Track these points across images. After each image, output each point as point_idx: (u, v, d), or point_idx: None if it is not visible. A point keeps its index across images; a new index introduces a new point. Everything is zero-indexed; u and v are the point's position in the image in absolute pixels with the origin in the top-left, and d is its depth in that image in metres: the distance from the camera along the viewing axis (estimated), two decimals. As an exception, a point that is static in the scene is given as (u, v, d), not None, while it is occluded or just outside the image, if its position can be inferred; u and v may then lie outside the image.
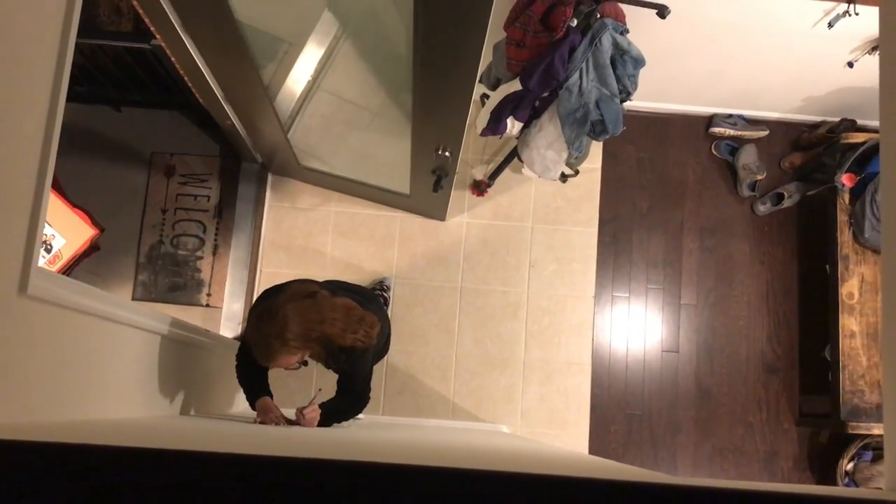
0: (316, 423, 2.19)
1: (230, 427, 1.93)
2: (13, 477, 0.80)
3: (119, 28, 2.99)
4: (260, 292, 2.33)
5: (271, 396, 2.29)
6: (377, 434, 2.22)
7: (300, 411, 2.18)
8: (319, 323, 2.03)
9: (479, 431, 3.32)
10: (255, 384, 2.29)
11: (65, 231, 2.84)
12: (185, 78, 2.71)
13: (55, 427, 1.26)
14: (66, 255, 2.87)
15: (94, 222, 2.95)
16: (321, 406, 2.22)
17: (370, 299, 2.59)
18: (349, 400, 2.32)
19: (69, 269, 2.91)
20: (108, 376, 1.66)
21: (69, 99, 1.32)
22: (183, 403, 2.32)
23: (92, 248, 3.06)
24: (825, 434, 3.74)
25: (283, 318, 1.98)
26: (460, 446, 1.74)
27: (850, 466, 3.57)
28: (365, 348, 2.17)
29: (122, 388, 1.77)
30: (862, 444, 3.55)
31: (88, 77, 3.28)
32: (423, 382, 3.54)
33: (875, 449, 3.57)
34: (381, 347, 2.59)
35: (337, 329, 2.06)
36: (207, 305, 3.55)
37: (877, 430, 3.39)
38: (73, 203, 2.94)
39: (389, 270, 3.62)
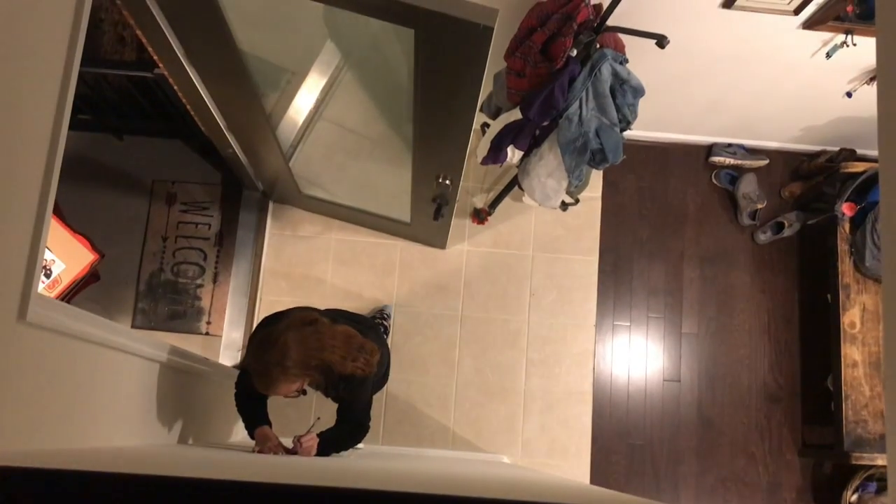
0: (314, 451, 2.17)
1: (228, 456, 1.91)
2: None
3: (122, 57, 3.02)
4: (260, 320, 2.32)
5: (270, 425, 2.27)
6: (376, 463, 2.20)
7: (297, 440, 2.16)
8: (319, 350, 2.02)
9: (479, 461, 3.30)
10: (253, 413, 2.27)
11: (64, 256, 2.84)
12: (188, 107, 2.73)
13: (53, 454, 1.25)
14: (66, 280, 2.87)
15: (94, 247, 2.95)
16: (320, 435, 2.20)
17: (370, 328, 2.58)
18: (348, 429, 2.30)
19: (69, 295, 2.91)
20: (107, 404, 1.65)
21: (71, 127, 1.32)
22: (182, 432, 2.30)
23: (92, 277, 3.06)
24: (829, 465, 3.71)
25: (283, 345, 1.97)
26: (460, 475, 1.72)
27: (854, 498, 3.54)
28: (364, 376, 2.16)
29: (121, 416, 1.76)
30: (866, 475, 3.52)
31: (91, 105, 3.30)
32: (422, 412, 3.52)
33: (879, 480, 3.54)
34: (381, 377, 2.58)
35: (337, 356, 2.05)
36: (207, 334, 3.54)
37: (881, 460, 3.36)
38: (74, 228, 2.94)
39: (389, 299, 3.62)
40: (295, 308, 2.24)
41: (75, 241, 2.92)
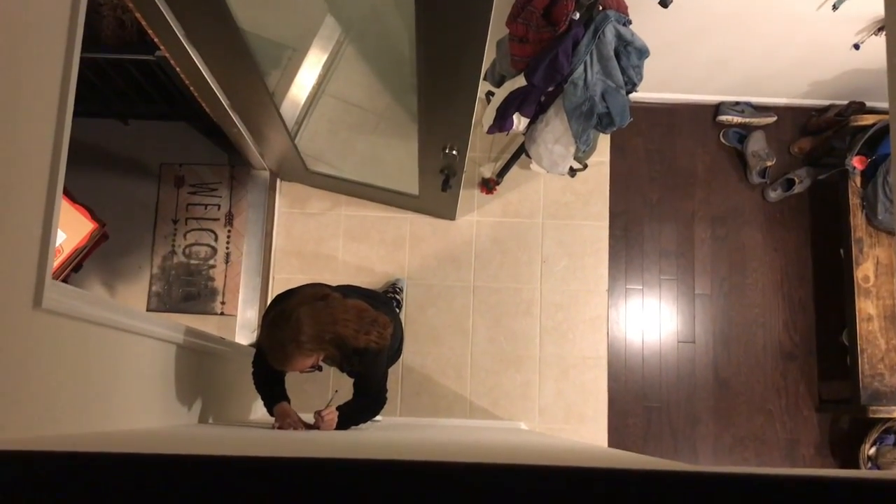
0: (334, 425, 2.19)
1: (249, 433, 1.93)
2: (33, 488, 0.80)
3: (123, 41, 3.00)
4: (272, 298, 2.33)
5: (288, 401, 2.29)
6: (396, 435, 2.22)
7: (318, 414, 2.18)
8: (332, 324, 2.03)
9: (497, 429, 3.32)
10: (272, 390, 2.30)
11: (65, 226, 2.84)
12: (191, 88, 2.72)
13: (74, 438, 1.26)
14: (67, 250, 2.89)
15: (94, 217, 2.96)
16: (338, 409, 2.22)
17: (382, 302, 2.60)
18: (365, 402, 2.33)
19: (72, 263, 2.92)
20: (126, 387, 1.67)
21: (76, 114, 1.33)
22: (201, 412, 2.33)
23: (101, 238, 3.06)
24: (846, 419, 3.72)
25: (297, 320, 1.98)
26: (479, 444, 1.74)
27: (872, 451, 3.55)
28: (379, 349, 2.17)
29: (140, 399, 1.78)
30: (884, 428, 3.53)
31: (95, 91, 3.30)
32: (439, 382, 3.54)
33: (897, 432, 3.55)
34: (395, 350, 2.59)
35: (350, 330, 2.06)
36: (222, 314, 3.56)
37: (898, 413, 3.36)
38: (73, 198, 2.95)
39: (401, 272, 3.63)
40: (306, 285, 2.25)
41: (74, 210, 2.93)
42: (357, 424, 2.35)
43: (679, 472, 0.76)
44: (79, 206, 2.97)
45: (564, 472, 0.78)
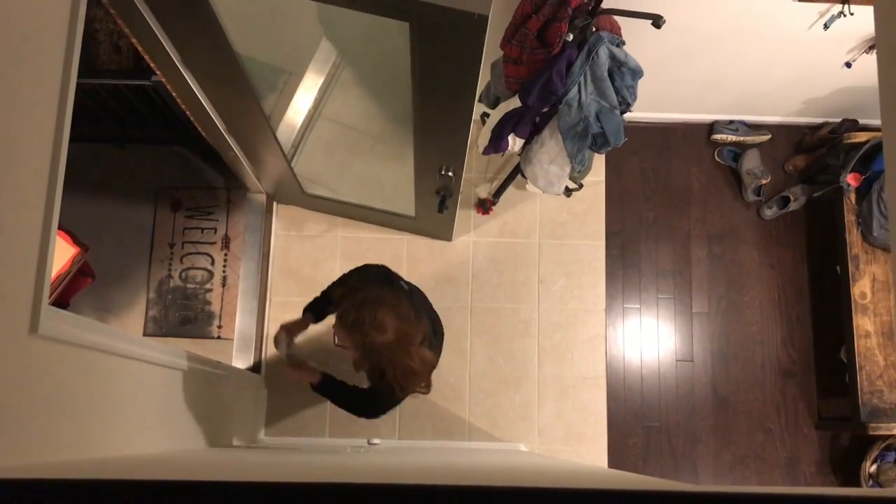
0: (300, 377, 2.36)
1: (247, 456, 1.92)
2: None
3: (119, 67, 3.02)
4: (382, 268, 2.45)
5: (316, 320, 2.48)
6: (395, 458, 2.20)
7: (294, 363, 2.36)
8: (391, 362, 2.11)
9: (496, 451, 3.30)
10: (321, 304, 2.46)
11: None
12: (187, 112, 2.73)
13: (72, 465, 1.26)
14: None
15: (76, 241, 2.94)
16: (328, 376, 2.38)
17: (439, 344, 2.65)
18: (359, 399, 2.42)
19: (55, 291, 2.91)
20: (123, 412, 1.66)
21: (72, 139, 1.33)
22: (199, 436, 2.31)
23: (87, 276, 3.05)
24: (846, 437, 3.70)
25: (379, 326, 2.05)
26: (479, 466, 1.73)
27: (873, 469, 3.54)
28: (394, 394, 2.23)
29: (138, 424, 1.77)
30: (884, 445, 3.51)
31: (91, 116, 3.30)
32: (437, 404, 3.53)
33: (897, 449, 3.54)
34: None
35: (397, 376, 2.14)
36: (219, 337, 3.55)
37: (898, 429, 3.36)
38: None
39: (399, 293, 3.62)
40: (424, 303, 2.43)
41: (55, 235, 2.91)
42: (334, 401, 2.45)
43: (680, 493, 0.76)
44: (59, 230, 2.95)
45: (565, 495, 0.78)
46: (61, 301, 3.00)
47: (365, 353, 2.12)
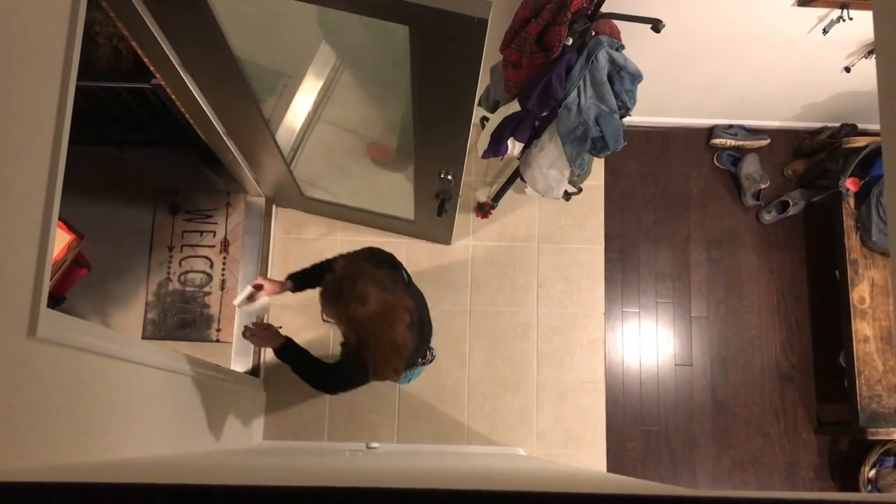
0: (260, 343, 2.37)
1: (245, 460, 1.92)
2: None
3: (119, 69, 3.01)
4: (384, 255, 2.44)
5: (300, 289, 2.52)
6: (393, 462, 2.20)
7: (249, 326, 2.36)
8: (373, 336, 2.09)
9: (495, 455, 3.30)
10: (306, 273, 2.50)
11: None
12: (187, 115, 2.73)
13: (69, 469, 1.25)
14: None
15: (71, 228, 2.94)
16: (291, 341, 2.37)
17: (424, 339, 2.64)
18: (321, 371, 2.39)
19: (51, 279, 2.90)
20: (122, 416, 1.65)
21: (71, 141, 1.33)
22: (198, 440, 2.31)
23: (82, 267, 3.04)
24: (845, 441, 3.70)
25: (362, 297, 2.03)
26: (478, 470, 1.72)
27: (872, 473, 3.53)
28: (368, 371, 2.20)
29: (136, 428, 1.76)
30: (883, 450, 3.51)
31: (90, 119, 3.30)
32: (436, 408, 3.52)
33: (896, 454, 3.54)
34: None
35: (375, 348, 2.11)
36: (217, 341, 3.55)
37: (897, 434, 3.35)
38: None
39: (398, 297, 3.61)
40: (410, 291, 2.38)
41: (54, 237, 2.91)
42: (295, 371, 2.41)
43: (679, 497, 0.75)
44: None
45: (564, 499, 0.78)
46: (58, 293, 3.00)
47: (348, 327, 2.10)
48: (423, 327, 2.52)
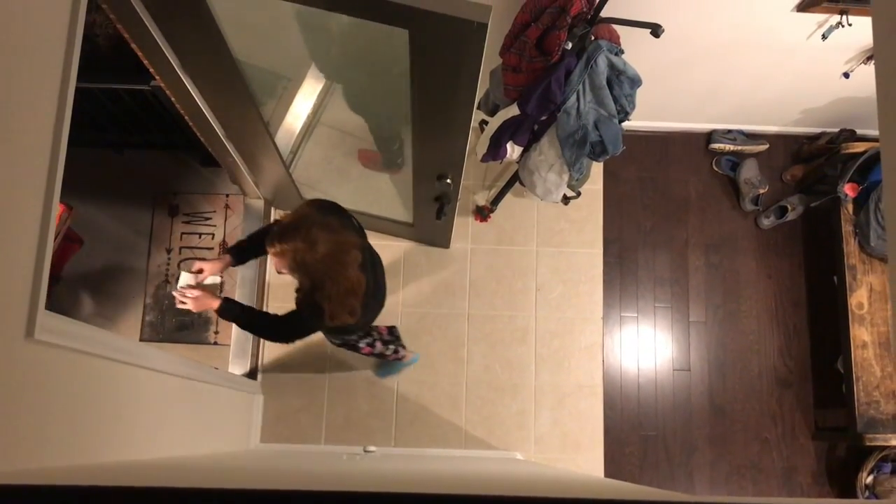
0: (199, 307, 2.30)
1: (242, 463, 1.91)
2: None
3: (118, 71, 3.01)
4: (329, 203, 2.40)
5: (237, 263, 2.46)
6: (391, 466, 2.20)
7: (181, 290, 2.30)
8: (326, 275, 2.11)
9: (492, 459, 3.30)
10: (245, 244, 2.45)
11: None
12: (186, 117, 2.73)
13: (66, 471, 1.25)
14: None
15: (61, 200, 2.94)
16: (230, 301, 2.31)
17: (376, 300, 2.66)
18: (267, 318, 2.37)
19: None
20: (119, 419, 1.65)
21: (70, 143, 1.33)
22: (195, 442, 2.30)
23: (75, 243, 3.02)
24: (843, 447, 3.70)
25: (312, 241, 2.05)
26: (475, 474, 1.72)
27: (869, 480, 3.53)
28: (324, 314, 2.20)
29: (134, 430, 1.76)
30: (880, 456, 3.51)
31: (89, 120, 3.30)
32: (433, 412, 3.52)
33: (894, 461, 3.53)
34: (341, 330, 2.65)
35: (331, 289, 2.13)
36: (215, 343, 3.54)
37: (894, 440, 3.35)
38: None
39: (395, 300, 3.61)
40: (359, 233, 2.37)
41: (52, 239, 2.91)
42: (243, 327, 2.39)
43: (676, 503, 0.75)
44: None
45: (561, 504, 0.78)
46: (52, 272, 2.99)
47: (301, 272, 2.12)
48: (377, 286, 2.55)
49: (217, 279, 2.51)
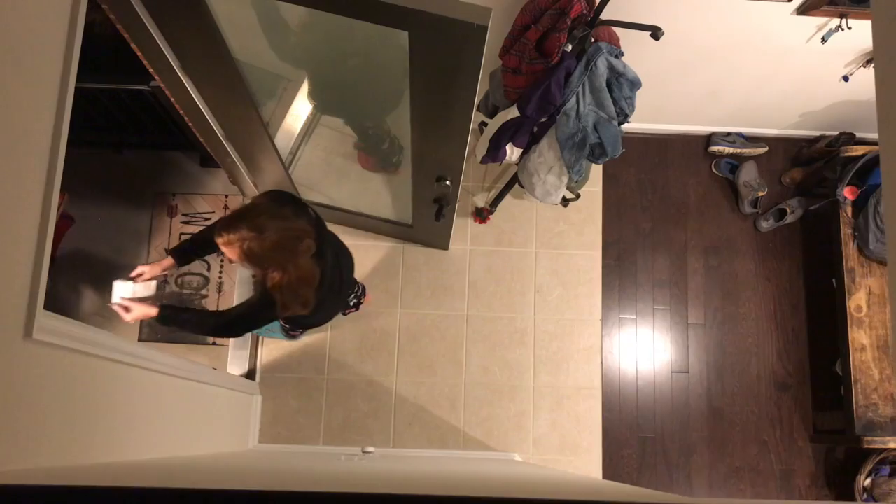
0: (137, 317, 2.26)
1: (239, 463, 1.91)
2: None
3: (118, 71, 3.01)
4: (286, 195, 2.33)
5: (179, 265, 2.44)
6: (389, 466, 2.20)
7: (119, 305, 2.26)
8: (277, 263, 2.08)
9: (491, 461, 3.30)
10: (187, 246, 2.42)
11: None
12: (185, 118, 2.73)
13: (64, 471, 1.25)
14: None
15: None
16: (167, 307, 2.27)
17: (334, 290, 2.60)
18: (210, 317, 2.34)
19: None
20: (118, 418, 1.65)
21: (69, 143, 1.33)
22: (193, 442, 2.30)
23: (66, 220, 3.01)
24: (841, 450, 3.70)
25: (259, 227, 2.02)
26: (473, 476, 1.72)
27: (867, 482, 3.53)
28: (279, 305, 2.17)
29: (132, 430, 1.76)
30: (878, 458, 3.51)
31: (89, 120, 3.30)
32: (432, 413, 3.52)
33: (892, 463, 3.54)
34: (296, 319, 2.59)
35: (281, 279, 2.10)
36: (214, 344, 3.54)
37: (892, 443, 3.35)
38: None
39: (394, 301, 3.61)
40: (320, 227, 2.30)
41: (51, 239, 2.92)
42: (188, 329, 2.36)
43: (675, 506, 0.75)
44: None
45: (559, 506, 0.78)
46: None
47: (249, 262, 2.08)
48: (341, 275, 2.52)
49: (151, 287, 2.46)
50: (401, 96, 2.20)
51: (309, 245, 2.16)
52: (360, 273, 3.64)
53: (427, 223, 3.15)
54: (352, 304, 3.14)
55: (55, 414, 1.33)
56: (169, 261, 2.42)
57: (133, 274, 2.39)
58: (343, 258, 2.66)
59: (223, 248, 2.10)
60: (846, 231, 3.55)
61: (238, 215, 2.08)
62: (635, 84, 2.68)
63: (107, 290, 3.34)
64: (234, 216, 2.08)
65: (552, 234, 3.75)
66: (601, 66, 2.60)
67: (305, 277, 2.16)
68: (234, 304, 2.27)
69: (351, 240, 3.63)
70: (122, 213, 3.66)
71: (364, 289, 3.37)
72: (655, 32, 2.40)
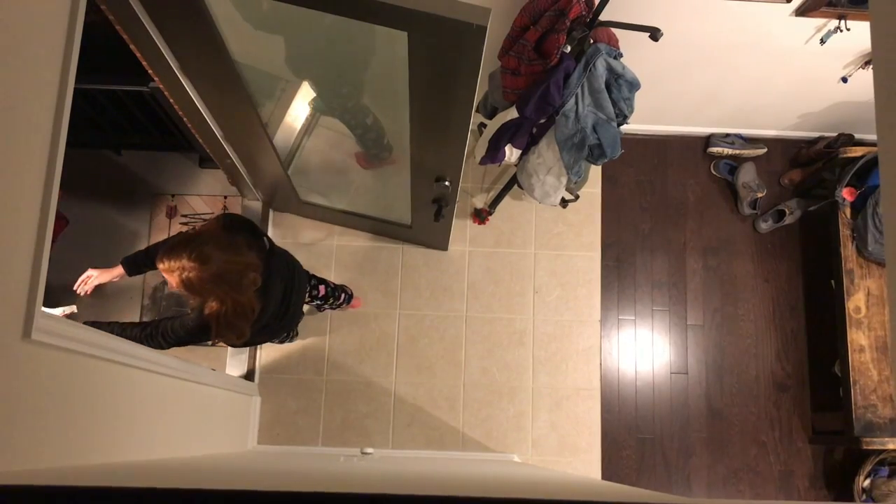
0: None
1: (239, 464, 1.91)
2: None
3: (117, 72, 3.01)
4: (245, 226, 2.30)
5: (129, 273, 2.42)
6: (387, 467, 2.19)
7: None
8: (216, 297, 2.04)
9: (489, 461, 3.29)
10: (143, 256, 2.40)
11: None
12: (185, 119, 2.73)
13: (63, 472, 1.25)
14: None
15: None
16: (94, 322, 2.24)
17: (281, 322, 2.58)
18: (138, 329, 2.28)
19: None
20: (117, 419, 1.65)
21: (69, 144, 1.33)
22: (192, 443, 2.30)
23: (58, 217, 3.03)
24: (840, 451, 3.70)
25: (204, 259, 1.98)
26: (472, 476, 1.72)
27: (866, 483, 3.53)
28: (209, 331, 2.14)
29: (131, 431, 1.76)
30: (877, 459, 3.51)
31: (88, 121, 3.30)
32: (431, 414, 3.52)
33: (891, 464, 3.54)
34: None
35: (216, 314, 2.07)
36: (213, 344, 3.54)
37: (892, 444, 3.35)
38: None
39: (393, 302, 3.61)
40: (271, 251, 2.27)
41: (50, 239, 2.93)
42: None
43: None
44: None
45: (558, 507, 0.78)
46: None
47: (191, 292, 2.04)
48: (286, 310, 2.47)
49: (73, 309, 2.44)
50: (400, 97, 2.20)
51: (254, 279, 2.12)
52: (358, 274, 3.64)
53: (426, 224, 3.15)
54: (326, 307, 3.21)
55: (54, 414, 1.33)
56: (119, 269, 2.39)
57: (83, 276, 2.36)
58: (297, 282, 2.61)
59: (163, 274, 2.06)
60: (845, 232, 3.55)
61: (182, 241, 2.04)
62: (634, 85, 2.68)
63: (105, 292, 3.34)
64: (178, 242, 2.04)
65: (551, 235, 3.75)
66: (600, 67, 2.60)
67: (244, 312, 2.12)
68: (168, 316, 2.23)
69: (350, 240, 3.64)
70: (122, 214, 3.65)
71: (349, 296, 3.38)
72: (654, 34, 2.40)
